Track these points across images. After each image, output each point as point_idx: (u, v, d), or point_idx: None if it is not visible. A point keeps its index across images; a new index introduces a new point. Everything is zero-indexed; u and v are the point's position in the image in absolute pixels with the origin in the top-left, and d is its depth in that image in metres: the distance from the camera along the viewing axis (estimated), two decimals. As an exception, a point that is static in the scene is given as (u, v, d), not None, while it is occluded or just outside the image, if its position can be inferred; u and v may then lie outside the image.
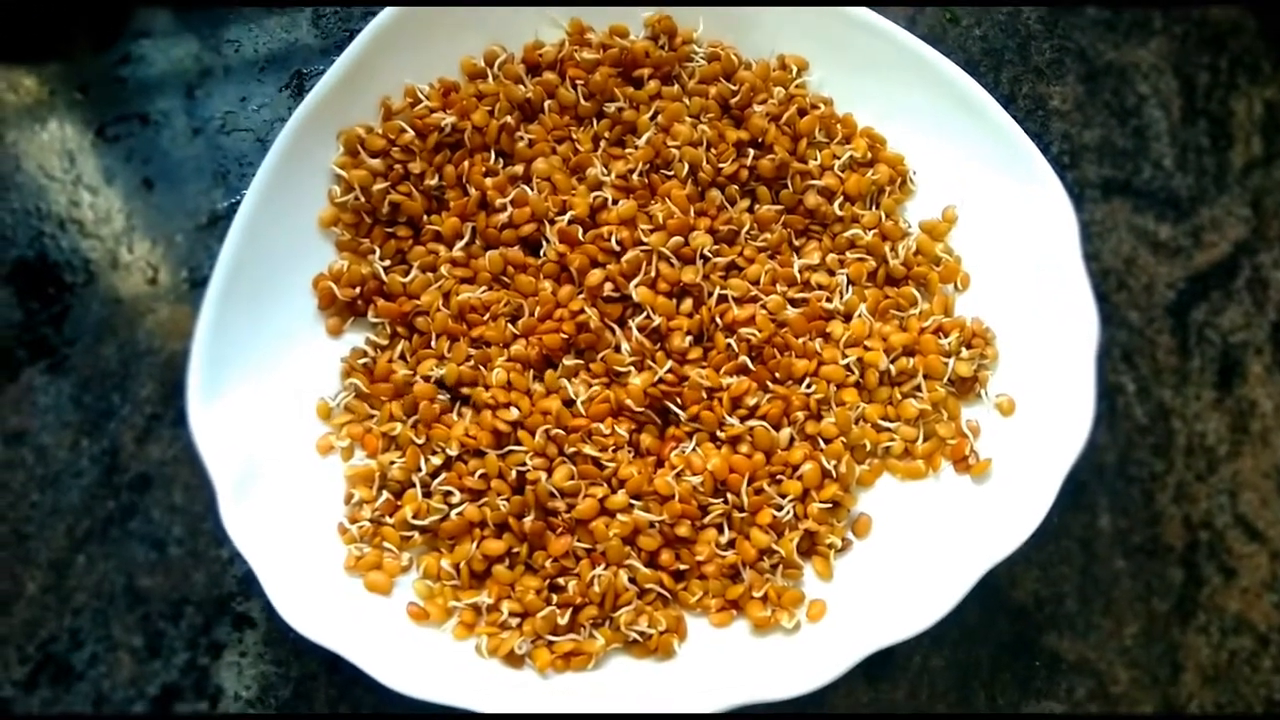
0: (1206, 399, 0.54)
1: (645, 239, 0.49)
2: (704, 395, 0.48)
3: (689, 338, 0.49)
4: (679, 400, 0.48)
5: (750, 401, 0.48)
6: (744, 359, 0.49)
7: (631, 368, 0.48)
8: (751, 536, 0.47)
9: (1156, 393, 0.54)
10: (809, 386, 0.49)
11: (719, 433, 0.48)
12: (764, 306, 0.49)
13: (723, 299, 0.49)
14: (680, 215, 0.49)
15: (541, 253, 0.50)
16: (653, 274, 0.49)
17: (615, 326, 0.49)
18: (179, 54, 0.56)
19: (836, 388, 0.49)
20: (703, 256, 0.49)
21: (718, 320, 0.49)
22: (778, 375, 0.49)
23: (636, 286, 0.48)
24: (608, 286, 0.48)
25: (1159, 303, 0.55)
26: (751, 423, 0.48)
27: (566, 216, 0.49)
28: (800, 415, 0.48)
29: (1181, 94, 0.58)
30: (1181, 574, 0.52)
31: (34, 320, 0.52)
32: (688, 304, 0.49)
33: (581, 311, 0.48)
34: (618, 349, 0.48)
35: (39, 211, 0.53)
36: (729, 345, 0.49)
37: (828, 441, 0.48)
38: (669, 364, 0.48)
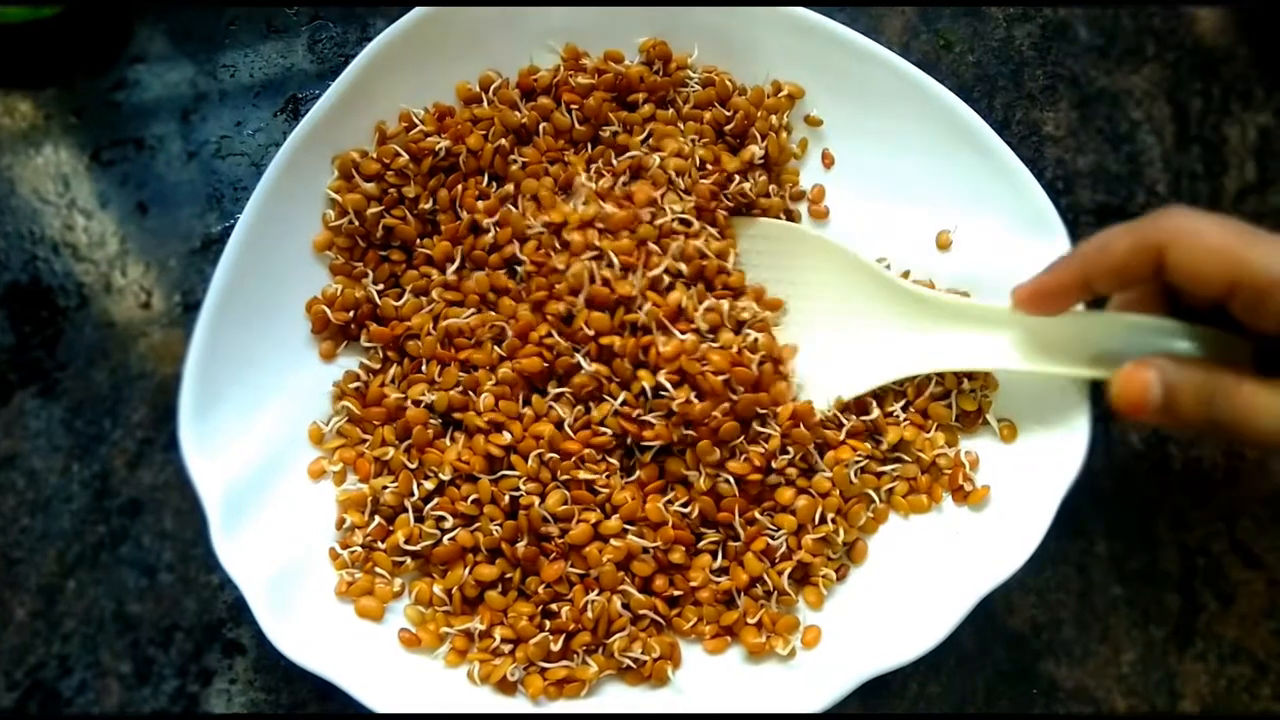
0: (1202, 424, 0.54)
1: (597, 242, 0.47)
2: (681, 431, 0.47)
3: (658, 373, 0.47)
4: (644, 436, 0.47)
5: (728, 448, 0.47)
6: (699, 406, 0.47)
7: (590, 400, 0.47)
8: (745, 563, 0.47)
9: (1152, 418, 0.53)
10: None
11: (698, 479, 0.47)
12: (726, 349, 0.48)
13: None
14: (634, 213, 0.48)
15: (518, 275, 0.50)
16: (598, 284, 0.47)
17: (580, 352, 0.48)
18: (174, 79, 0.56)
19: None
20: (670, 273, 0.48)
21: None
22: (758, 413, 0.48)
23: (579, 308, 0.47)
24: (561, 307, 0.47)
25: (1154, 328, 0.54)
26: (728, 473, 0.47)
27: (538, 226, 0.49)
28: (793, 472, 0.48)
29: (1175, 120, 0.58)
30: (1179, 600, 0.51)
31: (26, 344, 0.52)
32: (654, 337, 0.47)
33: (550, 335, 0.48)
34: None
35: (33, 235, 0.53)
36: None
37: (823, 495, 0.48)
38: (622, 395, 0.47)
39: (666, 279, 0.47)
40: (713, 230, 0.49)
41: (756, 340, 0.47)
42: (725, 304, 0.46)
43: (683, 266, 0.44)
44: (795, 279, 0.50)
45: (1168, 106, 0.58)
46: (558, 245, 0.48)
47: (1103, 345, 0.44)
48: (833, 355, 0.49)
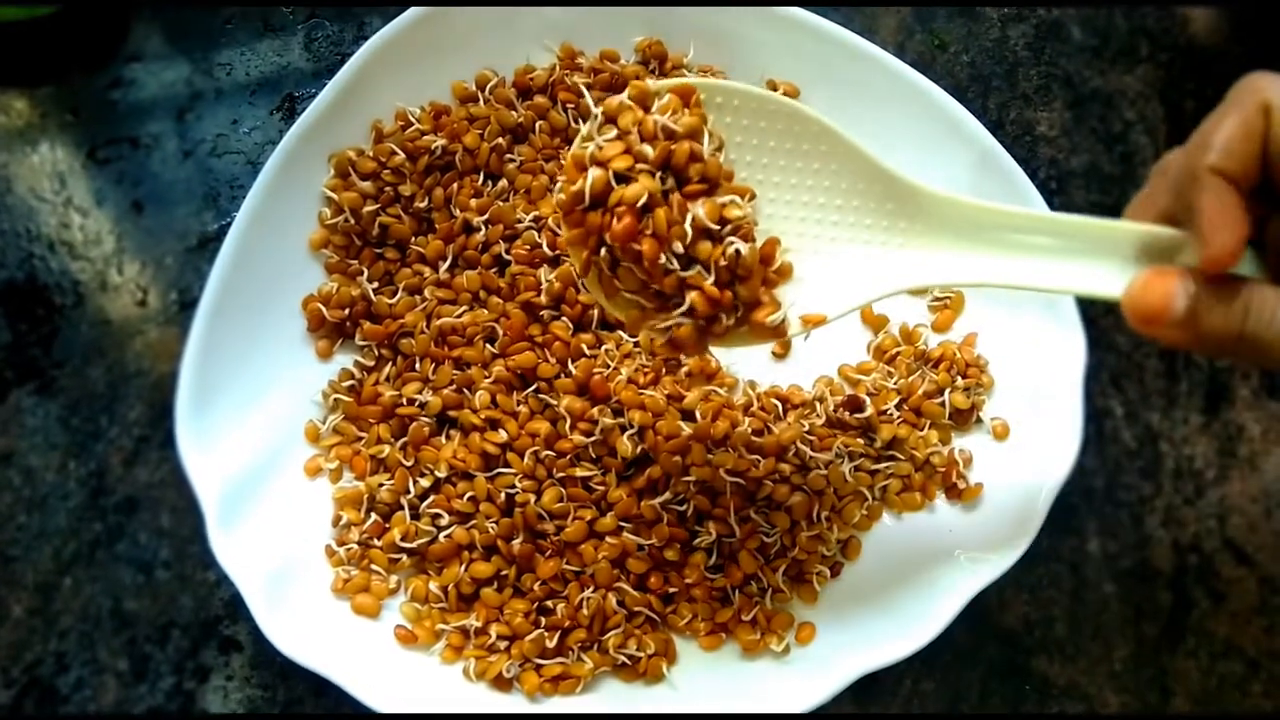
0: (1194, 423, 0.54)
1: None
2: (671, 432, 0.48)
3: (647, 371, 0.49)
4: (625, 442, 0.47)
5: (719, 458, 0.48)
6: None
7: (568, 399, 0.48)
8: (740, 560, 0.47)
9: (1144, 416, 0.54)
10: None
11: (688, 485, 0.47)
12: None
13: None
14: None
15: (507, 272, 0.50)
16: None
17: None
18: (170, 77, 0.56)
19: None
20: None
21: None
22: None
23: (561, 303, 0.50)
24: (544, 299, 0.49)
25: (1146, 327, 0.55)
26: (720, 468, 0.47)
27: (528, 220, 0.49)
28: (786, 468, 0.48)
29: (1167, 120, 0.59)
30: (1170, 598, 0.52)
31: (23, 342, 0.52)
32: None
33: (545, 332, 0.49)
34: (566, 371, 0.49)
35: (29, 233, 0.53)
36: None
37: (818, 493, 0.48)
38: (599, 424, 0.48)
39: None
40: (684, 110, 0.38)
41: (739, 253, 0.37)
42: (702, 207, 0.36)
43: (647, 149, 0.36)
44: (766, 161, 0.40)
45: (1161, 107, 0.59)
46: (545, 244, 0.49)
47: (1123, 256, 0.38)
48: (807, 263, 0.40)
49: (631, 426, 0.47)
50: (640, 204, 0.36)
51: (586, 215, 0.37)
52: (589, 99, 0.45)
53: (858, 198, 0.40)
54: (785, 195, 0.40)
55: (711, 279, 0.37)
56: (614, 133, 0.37)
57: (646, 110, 0.37)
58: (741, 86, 0.39)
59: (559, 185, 0.37)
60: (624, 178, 0.37)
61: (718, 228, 0.37)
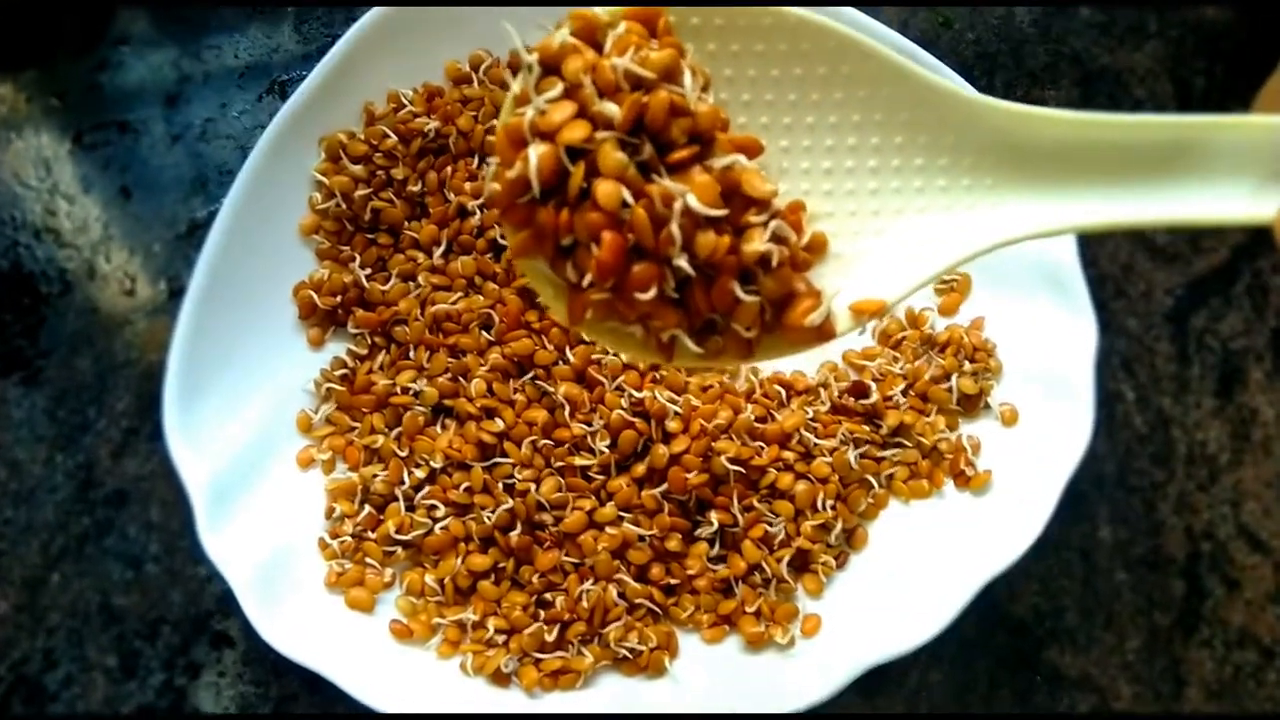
0: (1207, 407, 0.53)
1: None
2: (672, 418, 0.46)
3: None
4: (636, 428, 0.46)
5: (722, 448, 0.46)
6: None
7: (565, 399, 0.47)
8: (743, 551, 0.46)
9: (1156, 401, 0.53)
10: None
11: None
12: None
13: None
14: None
15: (502, 257, 0.49)
16: None
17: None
18: (158, 61, 0.55)
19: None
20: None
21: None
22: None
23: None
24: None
25: (1157, 309, 0.54)
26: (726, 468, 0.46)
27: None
28: (789, 456, 0.47)
29: (1178, 99, 0.57)
30: (1184, 586, 0.51)
31: (8, 332, 0.50)
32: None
33: (542, 318, 0.47)
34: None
35: (14, 221, 0.52)
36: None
37: (822, 481, 0.47)
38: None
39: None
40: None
41: (775, 238, 0.28)
42: (700, 178, 0.27)
43: (610, 106, 0.27)
44: (770, 98, 0.30)
45: (1171, 85, 0.57)
46: None
47: (1266, 165, 0.30)
48: (845, 231, 0.31)
49: (635, 417, 0.46)
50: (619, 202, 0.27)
51: (535, 210, 0.28)
52: (517, 41, 0.30)
53: (901, 132, 0.30)
54: (802, 141, 0.30)
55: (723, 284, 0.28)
56: (559, 88, 0.27)
57: (599, 50, 0.28)
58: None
59: (489, 169, 0.28)
60: (580, 152, 0.27)
61: (723, 213, 0.27)
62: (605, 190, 0.27)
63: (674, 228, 0.27)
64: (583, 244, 0.27)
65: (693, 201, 0.27)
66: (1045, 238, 0.31)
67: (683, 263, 0.27)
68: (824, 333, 0.30)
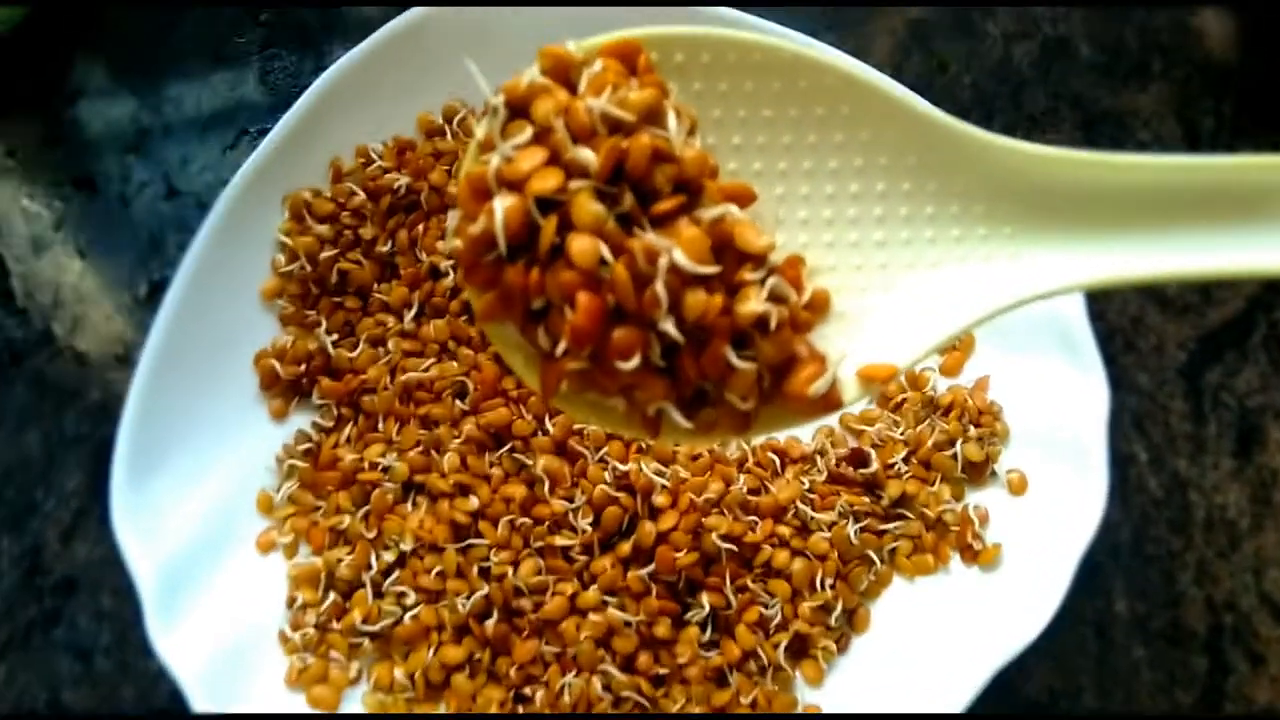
0: (1225, 468, 0.50)
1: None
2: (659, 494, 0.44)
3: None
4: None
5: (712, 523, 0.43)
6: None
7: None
8: (737, 636, 0.43)
9: (1171, 463, 0.50)
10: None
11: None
12: None
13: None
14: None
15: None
16: None
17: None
18: (115, 113, 0.52)
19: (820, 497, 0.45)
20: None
21: None
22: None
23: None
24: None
25: (1170, 364, 0.51)
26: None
27: None
28: (785, 531, 0.44)
29: (1185, 140, 0.55)
30: (1206, 662, 0.48)
31: (-48, 405, 0.48)
32: None
33: (520, 386, 0.44)
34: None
35: (-40, 286, 0.49)
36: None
37: (821, 558, 0.44)
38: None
39: None
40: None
41: (774, 302, 0.26)
42: (687, 231, 0.25)
43: (585, 153, 0.24)
44: (762, 141, 0.28)
45: (1178, 126, 0.55)
46: None
47: None
48: (849, 287, 0.28)
49: (619, 491, 0.43)
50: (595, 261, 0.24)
51: (502, 270, 0.25)
52: (482, 82, 0.26)
53: (908, 177, 0.28)
54: (800, 189, 0.28)
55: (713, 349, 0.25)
56: (528, 132, 0.25)
57: (573, 90, 0.25)
58: (710, 32, 0.26)
59: (451, 221, 0.25)
60: (552, 204, 0.24)
61: (714, 270, 0.25)
62: (580, 246, 0.24)
63: (659, 287, 0.24)
64: (556, 307, 0.25)
65: (679, 257, 0.24)
66: (1071, 293, 0.28)
67: (669, 326, 0.24)
68: (829, 402, 0.27)
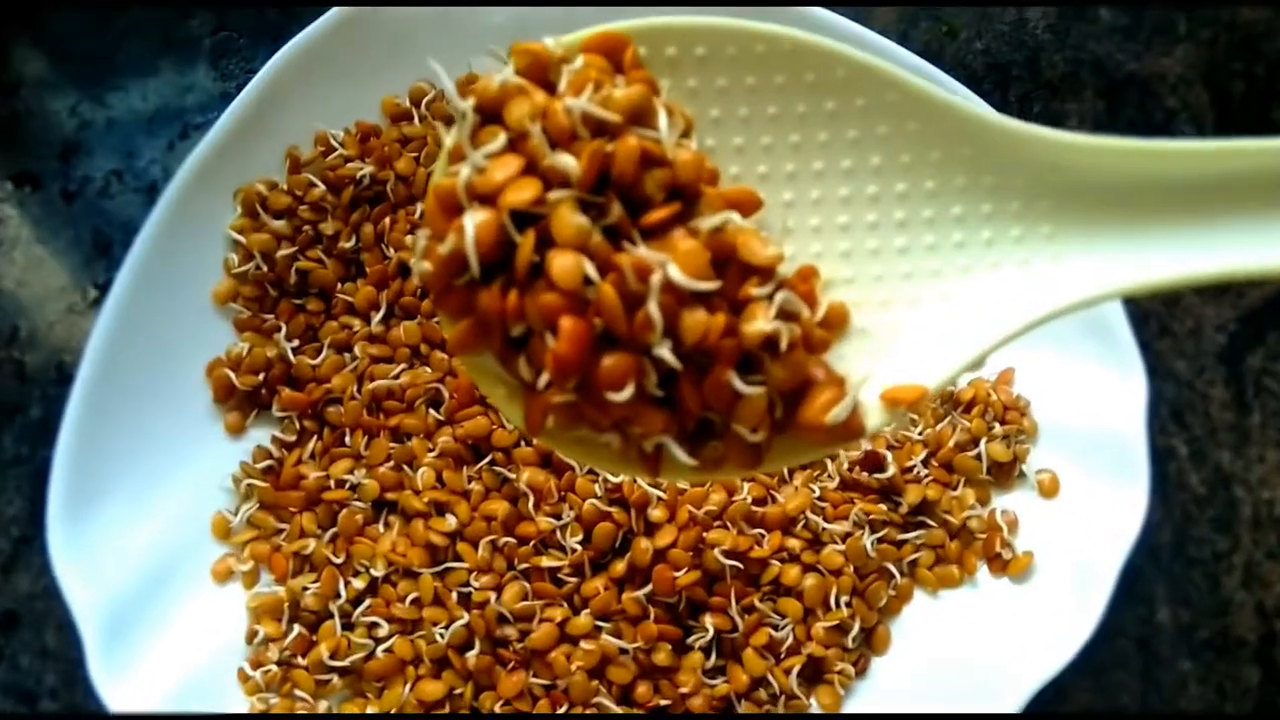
0: (1272, 460, 0.46)
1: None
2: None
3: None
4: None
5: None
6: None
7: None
8: (744, 661, 0.39)
9: (1214, 455, 0.46)
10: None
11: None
12: None
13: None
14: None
15: None
16: None
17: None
18: (55, 106, 0.49)
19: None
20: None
21: None
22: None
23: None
24: None
25: (1209, 349, 0.48)
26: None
27: None
28: (795, 544, 0.41)
29: (1214, 106, 0.52)
30: (1258, 673, 0.44)
31: (-120, 427, 0.44)
32: None
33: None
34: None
35: (-112, 297, 0.46)
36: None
37: (834, 573, 0.40)
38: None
39: None
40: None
41: (781, 322, 0.22)
42: (683, 243, 0.22)
43: (565, 159, 0.21)
44: (767, 142, 0.25)
45: (1206, 91, 0.52)
46: None
47: None
48: (870, 300, 0.25)
49: (611, 506, 0.40)
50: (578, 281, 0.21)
51: (476, 294, 0.22)
52: (446, 83, 0.23)
53: (932, 175, 0.25)
54: (810, 192, 0.25)
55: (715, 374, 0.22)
56: (501, 139, 0.22)
57: (551, 91, 0.23)
58: (706, 21, 0.24)
59: (417, 240, 0.23)
60: (530, 218, 0.22)
61: (715, 285, 0.22)
62: (561, 264, 0.21)
63: (652, 307, 0.21)
64: (537, 333, 0.22)
65: (674, 273, 0.21)
66: (1119, 298, 0.25)
67: (665, 352, 0.21)
68: (850, 430, 0.24)
